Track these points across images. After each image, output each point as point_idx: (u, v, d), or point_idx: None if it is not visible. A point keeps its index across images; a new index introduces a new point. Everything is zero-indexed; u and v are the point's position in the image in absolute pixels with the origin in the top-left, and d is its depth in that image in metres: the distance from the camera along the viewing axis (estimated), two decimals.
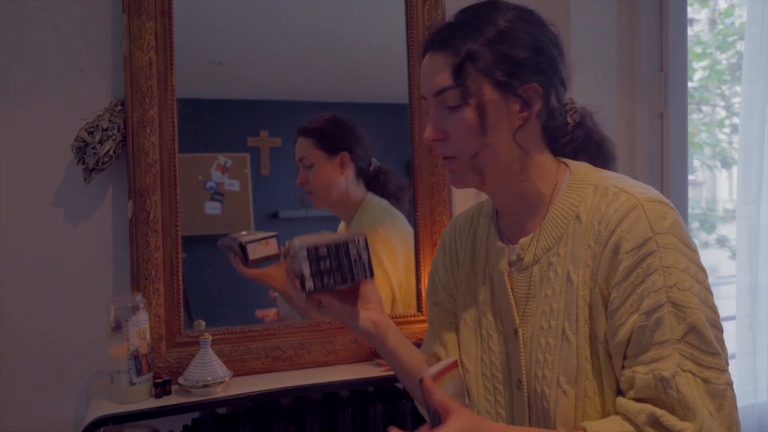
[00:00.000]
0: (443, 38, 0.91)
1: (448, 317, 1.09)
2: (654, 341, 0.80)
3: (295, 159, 1.60)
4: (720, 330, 0.84)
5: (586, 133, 0.99)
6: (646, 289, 0.81)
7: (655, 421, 0.79)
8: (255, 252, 1.38)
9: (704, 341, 0.79)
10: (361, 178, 1.63)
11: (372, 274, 0.95)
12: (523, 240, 0.95)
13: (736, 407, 0.80)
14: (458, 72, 0.89)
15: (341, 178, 1.61)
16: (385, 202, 1.65)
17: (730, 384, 0.80)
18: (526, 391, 0.93)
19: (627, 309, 0.82)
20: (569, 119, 0.97)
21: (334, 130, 1.61)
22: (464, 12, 0.93)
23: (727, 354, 0.84)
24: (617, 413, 0.84)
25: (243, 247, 1.38)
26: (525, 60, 0.89)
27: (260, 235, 1.41)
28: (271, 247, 1.41)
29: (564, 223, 0.90)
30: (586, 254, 0.87)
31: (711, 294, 0.84)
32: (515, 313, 0.95)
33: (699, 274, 0.83)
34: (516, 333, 0.95)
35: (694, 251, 0.84)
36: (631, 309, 0.82)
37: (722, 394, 0.79)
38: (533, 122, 0.92)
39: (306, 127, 1.60)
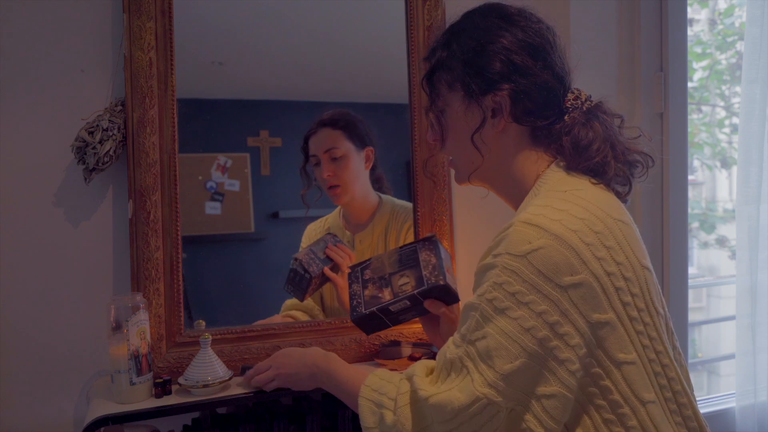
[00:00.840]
0: (428, 51, 1.04)
1: None
2: (460, 331, 0.89)
3: (310, 152, 1.57)
4: (545, 365, 0.82)
5: (575, 134, 0.95)
6: (477, 291, 0.88)
7: (410, 374, 0.92)
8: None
9: (488, 354, 0.84)
10: (371, 178, 1.63)
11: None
12: None
13: (493, 421, 0.83)
14: (429, 80, 1.01)
15: (365, 173, 1.61)
16: (405, 201, 1.64)
17: (493, 401, 0.82)
18: None
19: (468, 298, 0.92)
20: (567, 118, 0.96)
21: (359, 123, 1.60)
22: (451, 23, 1.02)
23: (545, 389, 0.83)
24: None
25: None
26: (489, 69, 0.94)
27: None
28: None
29: (500, 229, 0.94)
30: None
31: (552, 330, 0.82)
32: None
33: (540, 305, 0.82)
34: None
35: (560, 285, 0.82)
36: (467, 299, 0.91)
37: (475, 399, 0.83)
38: (511, 126, 0.96)
39: (333, 118, 1.58)
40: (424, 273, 1.17)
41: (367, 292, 1.19)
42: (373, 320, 1.19)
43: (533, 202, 0.91)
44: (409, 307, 1.18)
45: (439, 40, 1.01)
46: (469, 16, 1.00)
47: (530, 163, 0.97)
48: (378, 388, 0.94)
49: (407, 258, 1.24)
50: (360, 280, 1.23)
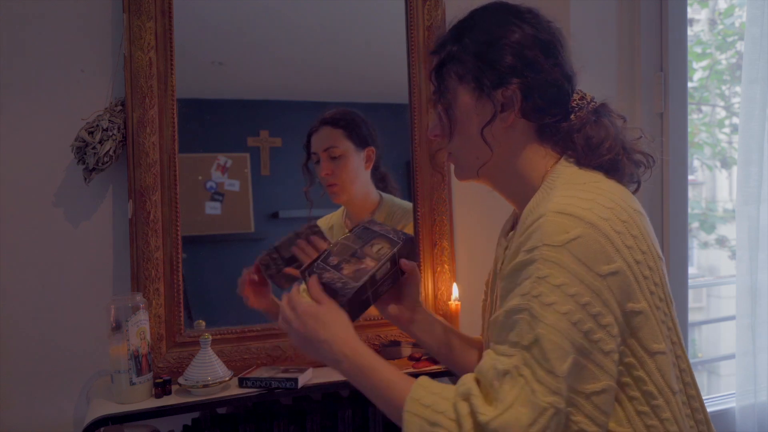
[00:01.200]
0: (436, 44, 1.00)
1: None
2: (508, 339, 0.82)
3: (311, 150, 1.58)
4: (591, 359, 0.80)
5: (587, 132, 0.97)
6: (517, 291, 0.83)
7: (466, 393, 0.81)
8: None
9: (544, 357, 0.78)
10: (374, 178, 1.63)
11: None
12: (510, 234, 0.99)
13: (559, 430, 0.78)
14: (438, 73, 0.98)
15: (366, 173, 1.61)
16: (406, 202, 1.65)
17: (557, 407, 0.77)
18: None
19: (503, 303, 0.85)
20: (573, 117, 0.97)
21: (361, 123, 1.60)
22: (459, 19, 1.00)
23: (594, 385, 0.80)
24: None
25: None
26: (501, 62, 0.93)
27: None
28: None
29: (525, 224, 0.91)
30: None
31: (595, 322, 0.80)
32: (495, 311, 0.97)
33: (584, 296, 0.80)
34: None
35: (600, 275, 0.81)
36: (504, 304, 0.85)
37: (541, 411, 0.77)
38: (519, 121, 0.95)
39: (335, 117, 1.58)
40: (390, 236, 1.16)
41: (345, 272, 1.11)
42: (360, 297, 1.10)
43: (554, 194, 0.88)
44: (389, 272, 1.13)
45: (449, 34, 0.99)
46: (479, 12, 0.99)
47: (538, 158, 0.97)
48: (430, 404, 0.84)
49: (364, 234, 1.20)
50: (329, 267, 1.15)
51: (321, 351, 0.98)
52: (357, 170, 1.60)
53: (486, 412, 0.78)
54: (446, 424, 0.81)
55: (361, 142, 1.59)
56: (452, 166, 1.07)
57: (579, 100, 0.98)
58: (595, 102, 0.98)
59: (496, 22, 0.95)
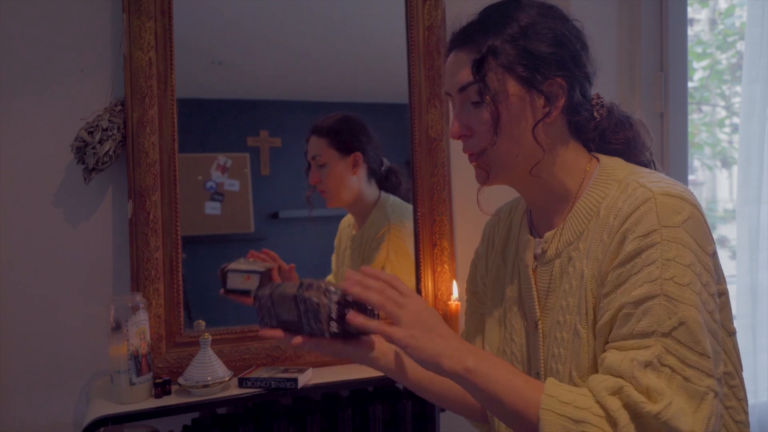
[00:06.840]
0: (465, 35, 0.92)
1: (482, 308, 1.12)
2: (640, 330, 0.76)
3: (307, 157, 1.60)
4: (717, 340, 0.79)
5: (613, 125, 0.98)
6: (641, 279, 0.78)
7: (615, 389, 0.75)
8: (233, 283, 1.37)
9: (693, 339, 0.74)
10: (374, 178, 1.64)
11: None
12: (547, 234, 0.95)
13: (717, 417, 0.74)
14: (479, 67, 0.89)
15: (353, 177, 1.61)
16: (401, 200, 1.66)
17: (714, 390, 0.74)
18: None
19: (617, 296, 0.80)
20: (596, 114, 0.97)
21: (347, 129, 1.61)
22: (486, 10, 0.94)
23: (722, 368, 0.79)
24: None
25: (224, 275, 1.37)
26: (548, 55, 0.89)
27: (246, 267, 1.36)
28: (251, 283, 1.35)
29: (587, 218, 0.90)
30: (598, 249, 0.86)
31: (715, 302, 0.79)
32: (536, 306, 0.96)
33: (704, 276, 0.79)
34: (536, 326, 0.96)
35: (707, 254, 0.80)
36: (621, 296, 0.79)
37: (701, 396, 0.73)
38: (558, 117, 0.92)
39: (320, 126, 1.60)
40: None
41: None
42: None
43: (637, 180, 0.86)
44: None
45: (479, 25, 0.92)
46: (512, 4, 0.93)
47: (577, 156, 0.96)
48: (570, 401, 0.76)
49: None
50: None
51: (442, 364, 0.82)
52: (343, 177, 1.61)
53: (650, 405, 0.72)
54: (594, 420, 0.74)
55: (346, 149, 1.60)
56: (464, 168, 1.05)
57: (597, 98, 0.98)
58: (602, 98, 0.98)
59: (535, 14, 0.91)
